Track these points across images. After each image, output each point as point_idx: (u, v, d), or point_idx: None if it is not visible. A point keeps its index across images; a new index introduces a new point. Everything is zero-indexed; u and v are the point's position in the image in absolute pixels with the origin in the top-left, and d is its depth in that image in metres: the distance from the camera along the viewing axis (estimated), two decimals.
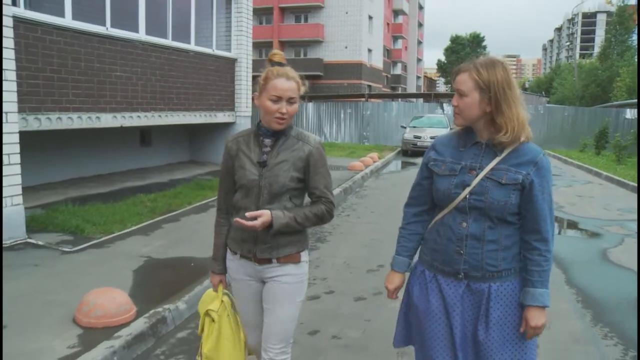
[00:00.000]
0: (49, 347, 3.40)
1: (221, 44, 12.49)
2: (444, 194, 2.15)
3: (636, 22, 52.81)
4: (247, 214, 2.26)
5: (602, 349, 3.91)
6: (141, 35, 9.71)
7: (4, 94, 5.52)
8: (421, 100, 33.74)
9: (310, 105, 26.27)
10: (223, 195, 2.54)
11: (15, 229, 5.79)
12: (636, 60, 46.93)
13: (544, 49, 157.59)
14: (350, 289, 5.03)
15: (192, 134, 13.80)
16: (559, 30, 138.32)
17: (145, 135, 12.32)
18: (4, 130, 5.56)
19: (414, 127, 20.95)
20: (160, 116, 10.33)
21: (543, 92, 65.06)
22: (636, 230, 7.90)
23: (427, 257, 2.26)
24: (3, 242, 5.56)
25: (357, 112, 25.87)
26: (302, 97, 2.40)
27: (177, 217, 7.34)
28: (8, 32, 5.62)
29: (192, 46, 11.29)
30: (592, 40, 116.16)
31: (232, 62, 12.66)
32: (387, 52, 57.80)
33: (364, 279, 5.33)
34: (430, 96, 32.12)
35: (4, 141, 5.57)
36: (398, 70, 64.48)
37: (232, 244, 2.51)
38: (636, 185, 12.18)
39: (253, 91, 1.97)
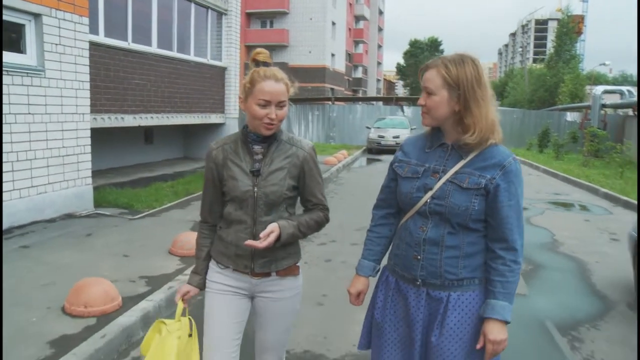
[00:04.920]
0: (165, 265, 5.29)
1: (214, 54, 14.32)
2: (406, 197, 2.05)
3: (582, 32, 56.40)
4: (261, 234, 2.10)
5: None
6: (153, 48, 11.50)
7: (83, 100, 7.34)
8: (381, 103, 36.12)
9: None
10: (208, 207, 2.33)
11: (88, 203, 7.61)
12: (580, 67, 50.49)
13: (500, 53, 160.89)
14: (347, 239, 7.05)
15: (186, 133, 15.59)
16: (513, 35, 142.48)
17: (148, 134, 14.08)
18: (81, 127, 7.38)
19: (378, 127, 23.09)
20: (167, 117, 12.12)
21: (496, 96, 68.12)
22: (556, 203, 10.18)
23: (391, 262, 2.17)
24: (79, 213, 7.37)
25: (324, 114, 27.95)
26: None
27: (198, 197, 9.13)
28: (85, 53, 7.43)
29: (192, 57, 13.10)
30: (545, 45, 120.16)
31: (222, 70, 14.50)
32: (349, 56, 60.07)
33: (354, 234, 7.34)
34: (392, 99, 34.50)
35: (81, 136, 7.39)
36: (359, 73, 66.83)
37: (222, 259, 2.28)
38: (565, 175, 14.61)
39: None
